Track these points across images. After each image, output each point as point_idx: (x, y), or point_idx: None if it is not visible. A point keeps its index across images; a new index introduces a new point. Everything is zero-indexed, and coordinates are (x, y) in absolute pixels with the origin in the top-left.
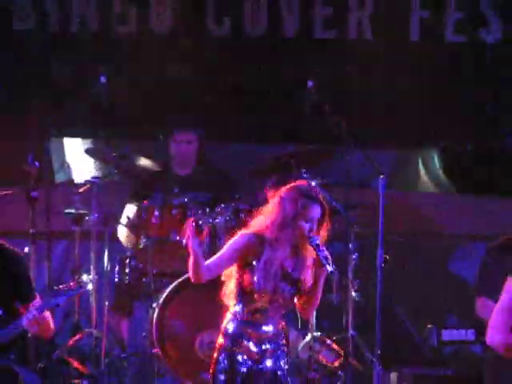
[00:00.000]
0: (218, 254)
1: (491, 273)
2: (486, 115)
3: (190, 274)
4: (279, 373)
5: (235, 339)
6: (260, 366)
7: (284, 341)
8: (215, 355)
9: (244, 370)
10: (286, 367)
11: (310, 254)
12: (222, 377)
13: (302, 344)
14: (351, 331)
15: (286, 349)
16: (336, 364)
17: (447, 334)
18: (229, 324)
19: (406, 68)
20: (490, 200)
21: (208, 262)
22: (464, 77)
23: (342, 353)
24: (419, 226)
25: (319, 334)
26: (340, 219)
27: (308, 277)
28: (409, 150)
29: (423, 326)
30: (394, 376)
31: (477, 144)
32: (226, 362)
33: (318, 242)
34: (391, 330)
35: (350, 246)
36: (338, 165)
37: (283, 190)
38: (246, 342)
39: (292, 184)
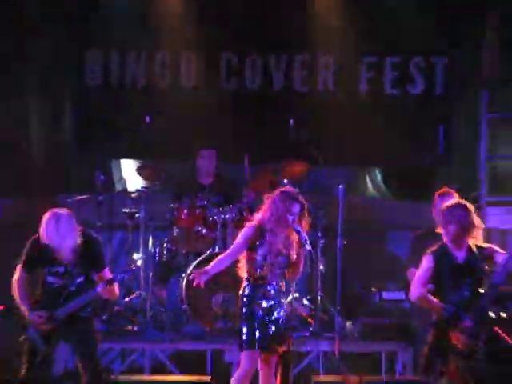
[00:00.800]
0: (235, 243)
1: (417, 251)
2: (410, 144)
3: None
4: (280, 320)
5: (251, 297)
6: (268, 316)
7: (283, 298)
8: (239, 310)
9: (258, 318)
10: (285, 316)
11: (294, 237)
12: (244, 323)
13: (285, 302)
14: (320, 293)
15: (283, 303)
16: (309, 316)
17: (386, 295)
18: (245, 288)
19: (357, 111)
20: (415, 202)
21: (229, 250)
22: (397, 117)
23: (313, 308)
24: (367, 220)
25: (297, 295)
26: (311, 216)
27: (293, 253)
28: (360, 168)
29: (370, 289)
30: (349, 324)
31: (405, 165)
32: (246, 313)
33: (299, 229)
34: (348, 292)
35: (319, 234)
36: (310, 177)
37: (275, 193)
38: (258, 300)
39: (280, 189)
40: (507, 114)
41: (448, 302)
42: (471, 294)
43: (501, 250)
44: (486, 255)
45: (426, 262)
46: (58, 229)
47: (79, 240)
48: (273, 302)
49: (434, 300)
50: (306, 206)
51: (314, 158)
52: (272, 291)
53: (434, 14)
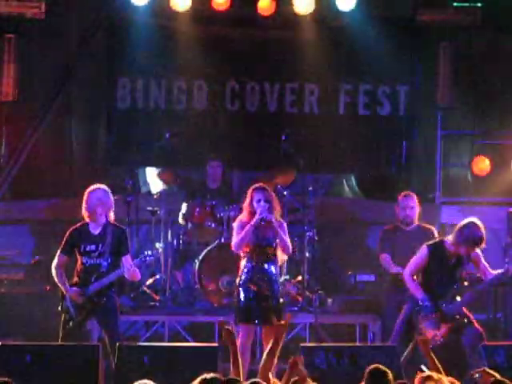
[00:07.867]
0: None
1: (385, 242)
2: (379, 155)
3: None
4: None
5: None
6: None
7: (277, 275)
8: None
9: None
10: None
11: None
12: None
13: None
14: (306, 275)
15: (277, 279)
16: (298, 294)
17: (359, 277)
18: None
19: (336, 128)
20: (384, 202)
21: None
22: (368, 134)
23: (300, 288)
24: (345, 216)
25: (288, 276)
26: (298, 214)
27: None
28: (338, 174)
29: (347, 273)
30: (330, 300)
31: (375, 172)
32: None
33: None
34: (330, 274)
35: (305, 227)
36: (298, 182)
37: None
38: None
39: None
40: (457, 131)
41: (431, 292)
42: (454, 290)
43: (492, 271)
44: (473, 260)
45: (423, 252)
46: (97, 195)
47: (112, 215)
48: (267, 278)
49: (418, 287)
50: (270, 195)
51: (300, 166)
52: (269, 270)
53: (396, 51)
